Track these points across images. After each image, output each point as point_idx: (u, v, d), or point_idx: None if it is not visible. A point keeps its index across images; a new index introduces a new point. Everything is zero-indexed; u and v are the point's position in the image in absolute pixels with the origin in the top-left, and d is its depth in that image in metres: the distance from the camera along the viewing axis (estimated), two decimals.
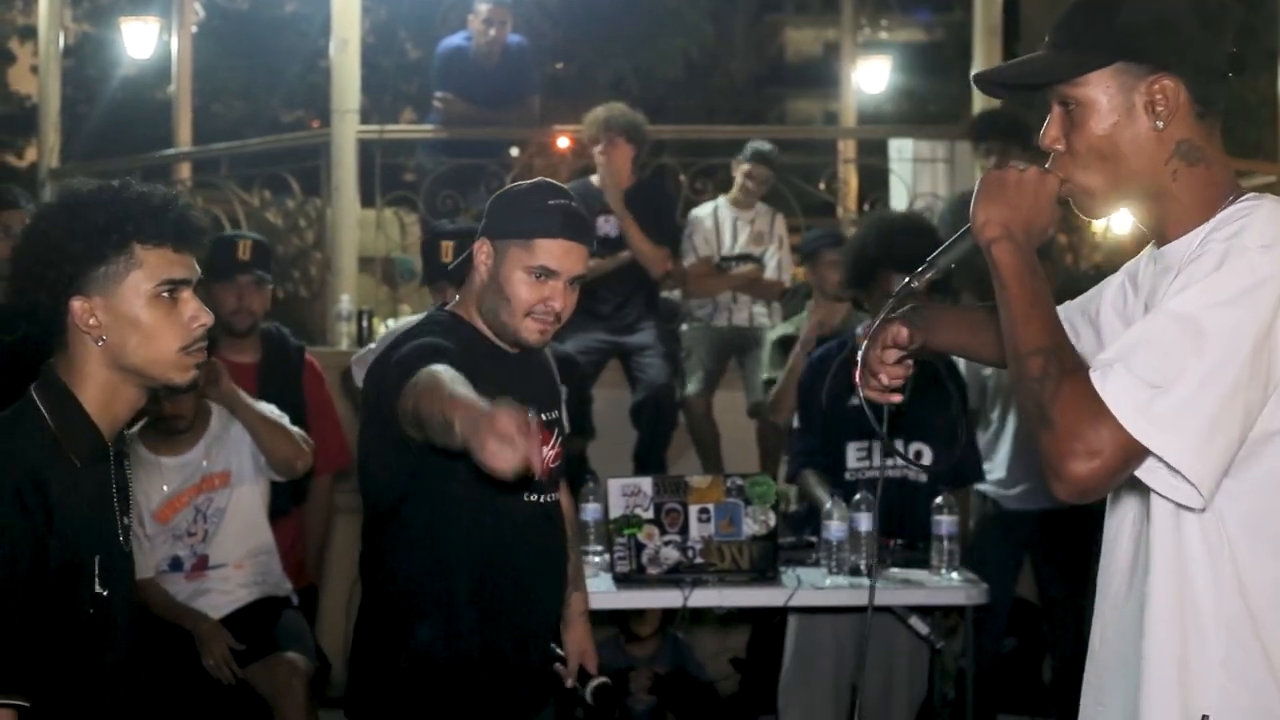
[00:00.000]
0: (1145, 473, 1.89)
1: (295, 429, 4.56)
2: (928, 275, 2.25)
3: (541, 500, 3.20)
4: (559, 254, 3.06)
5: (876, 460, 4.94)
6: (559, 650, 3.42)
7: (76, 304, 2.38)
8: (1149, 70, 1.99)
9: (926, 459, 4.94)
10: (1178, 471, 1.86)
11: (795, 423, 5.22)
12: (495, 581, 3.14)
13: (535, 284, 3.07)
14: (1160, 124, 1.99)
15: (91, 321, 2.38)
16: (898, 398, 2.37)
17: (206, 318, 2.44)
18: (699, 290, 6.84)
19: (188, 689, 4.33)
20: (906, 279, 2.26)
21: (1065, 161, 2.06)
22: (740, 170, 6.94)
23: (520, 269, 3.07)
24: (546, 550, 3.25)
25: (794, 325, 6.34)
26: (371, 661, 3.18)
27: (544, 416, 3.18)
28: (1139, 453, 1.86)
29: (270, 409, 4.54)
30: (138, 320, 2.39)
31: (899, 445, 4.94)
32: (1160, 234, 2.06)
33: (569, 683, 3.44)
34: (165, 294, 2.40)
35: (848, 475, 4.94)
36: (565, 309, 3.11)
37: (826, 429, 5.00)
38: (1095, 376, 1.88)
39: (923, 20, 21.49)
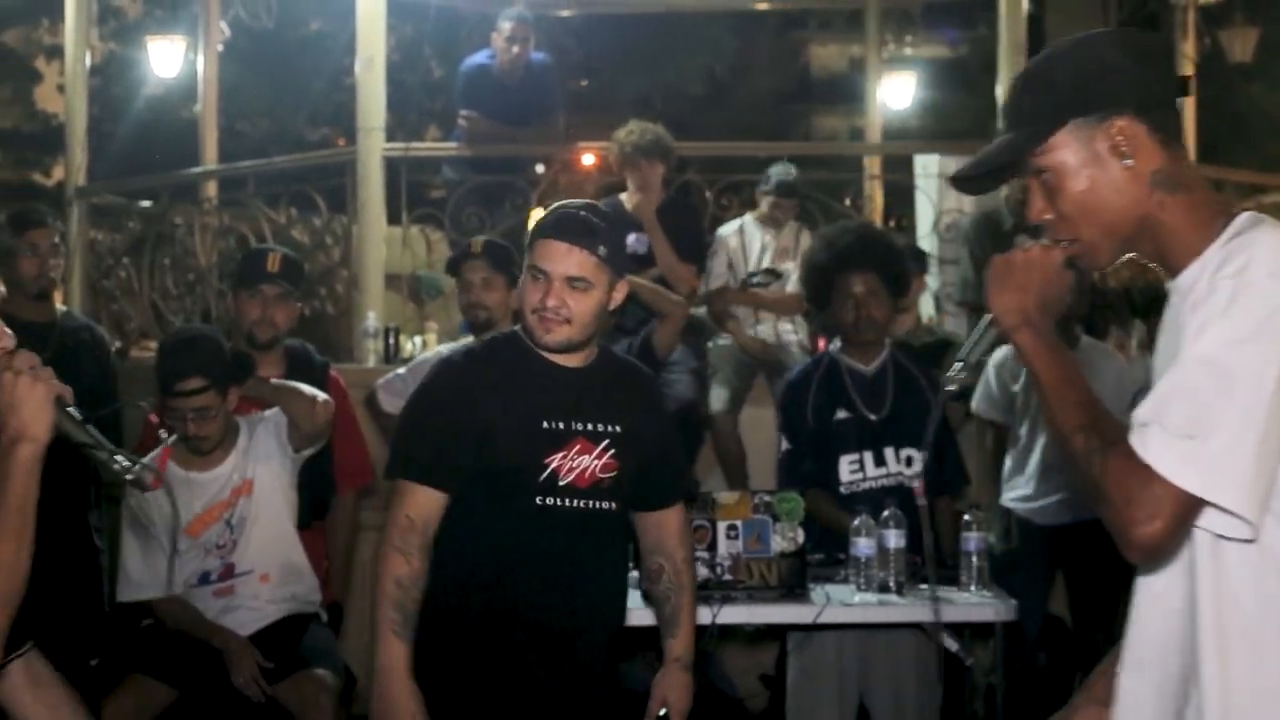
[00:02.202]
0: (1202, 519, 1.93)
1: (305, 386, 4.58)
2: (963, 374, 2.27)
3: (569, 505, 3.23)
4: (546, 252, 3.21)
5: (869, 471, 4.95)
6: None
7: None
8: (1101, 117, 2.05)
9: (918, 465, 4.95)
10: (1230, 511, 1.89)
11: (783, 444, 5.14)
12: (513, 586, 3.22)
13: (533, 284, 3.23)
14: (1130, 161, 2.04)
15: None
16: None
17: (8, 341, 2.33)
18: (721, 313, 6.84)
19: (217, 707, 4.33)
20: (944, 384, 2.29)
21: (1058, 228, 2.11)
22: (766, 201, 6.95)
23: (526, 272, 3.27)
24: (580, 558, 3.25)
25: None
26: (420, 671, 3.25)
27: (585, 427, 3.27)
28: (1196, 504, 1.89)
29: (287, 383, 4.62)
30: None
31: (890, 452, 4.95)
32: (1169, 266, 2.09)
33: None
34: None
35: (842, 489, 4.94)
36: (572, 310, 3.20)
37: (817, 446, 5.00)
38: (1134, 441, 1.92)
39: (948, 39, 21.47)
